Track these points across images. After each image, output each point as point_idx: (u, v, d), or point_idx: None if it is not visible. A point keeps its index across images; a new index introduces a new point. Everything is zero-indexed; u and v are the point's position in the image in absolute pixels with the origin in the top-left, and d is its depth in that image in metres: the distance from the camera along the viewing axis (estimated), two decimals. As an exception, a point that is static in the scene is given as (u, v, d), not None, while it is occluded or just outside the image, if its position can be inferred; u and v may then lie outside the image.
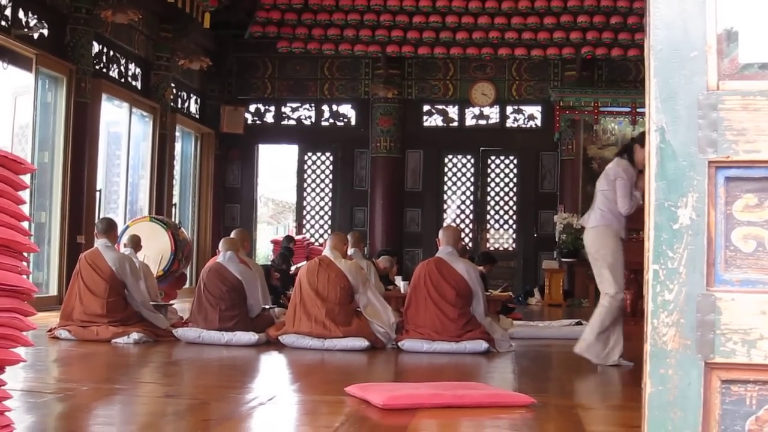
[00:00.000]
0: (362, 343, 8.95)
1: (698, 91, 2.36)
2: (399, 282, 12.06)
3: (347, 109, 21.30)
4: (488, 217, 21.05)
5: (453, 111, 21.09)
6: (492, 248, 20.50)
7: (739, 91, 2.34)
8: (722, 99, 2.34)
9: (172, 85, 18.10)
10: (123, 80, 16.41)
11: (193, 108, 20.26)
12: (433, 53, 18.90)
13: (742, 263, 2.34)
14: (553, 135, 19.74)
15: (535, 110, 20.88)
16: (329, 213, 21.27)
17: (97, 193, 15.12)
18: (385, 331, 9.23)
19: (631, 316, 11.49)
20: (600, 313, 7.98)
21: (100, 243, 9.85)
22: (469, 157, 21.00)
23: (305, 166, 21.47)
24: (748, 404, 2.31)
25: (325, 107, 21.31)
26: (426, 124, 21.12)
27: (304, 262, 15.19)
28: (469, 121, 21.06)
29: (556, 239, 19.26)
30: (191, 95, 20.08)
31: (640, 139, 7.74)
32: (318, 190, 21.39)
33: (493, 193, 21.03)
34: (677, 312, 2.32)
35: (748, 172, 2.34)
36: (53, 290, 13.66)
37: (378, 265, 12.35)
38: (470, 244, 20.39)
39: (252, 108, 21.45)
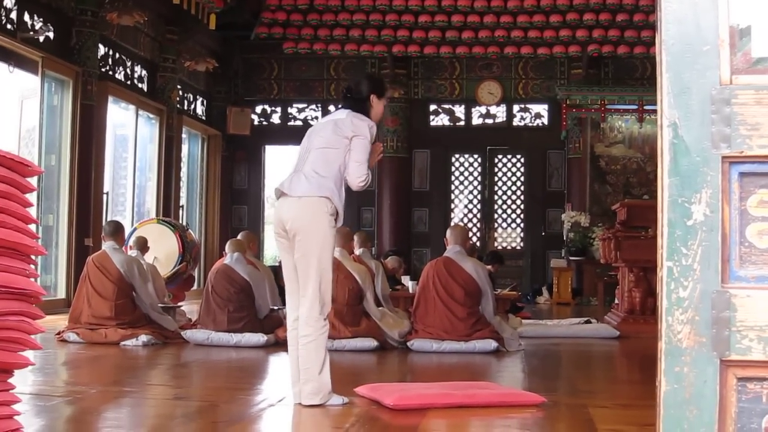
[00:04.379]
0: (371, 343, 8.93)
1: (711, 85, 2.33)
2: (407, 282, 12.04)
3: (353, 110, 21.24)
4: (496, 216, 21.01)
5: (459, 110, 21.06)
6: (500, 247, 20.47)
7: (752, 86, 2.32)
8: (735, 93, 2.32)
9: (178, 86, 18.10)
10: (129, 82, 16.41)
11: (200, 110, 20.25)
12: (439, 52, 18.86)
13: (757, 259, 2.31)
14: (560, 133, 19.69)
15: (542, 109, 20.83)
16: (336, 213, 21.21)
17: (105, 196, 15.11)
18: (394, 337, 9.24)
19: (641, 314, 11.44)
20: (314, 347, 5.61)
21: (107, 245, 9.83)
22: (476, 156, 20.96)
23: (312, 167, 21.42)
24: (764, 402, 2.29)
25: (331, 108, 21.20)
26: (433, 123, 21.08)
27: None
28: (476, 121, 21.03)
29: (564, 237, 19.25)
30: (197, 97, 20.08)
31: (376, 86, 5.95)
32: (325, 190, 21.35)
33: (500, 192, 20.99)
34: (692, 309, 2.30)
35: (763, 167, 2.32)
36: (61, 293, 13.65)
37: (386, 266, 12.33)
38: (478, 243, 20.36)
39: (258, 109, 21.43)
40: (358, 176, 5.62)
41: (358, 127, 5.67)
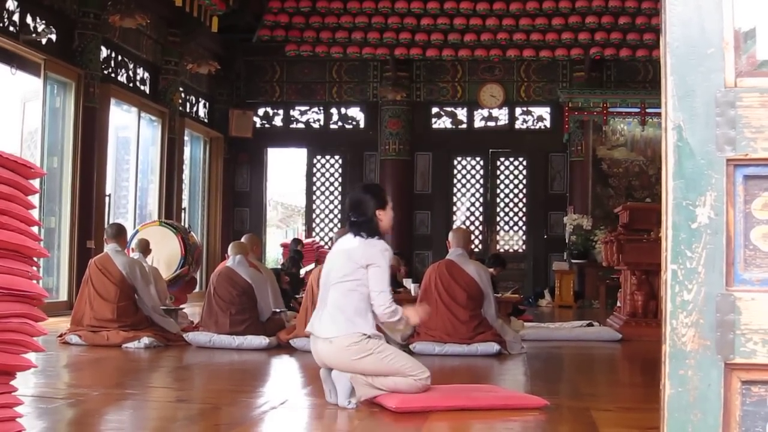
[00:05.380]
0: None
1: (716, 88, 2.33)
2: (409, 284, 12.03)
3: (356, 112, 21.30)
4: (498, 218, 21.02)
5: (462, 113, 21.07)
6: (502, 250, 20.46)
7: (757, 88, 2.32)
8: (740, 96, 2.31)
9: (181, 89, 18.10)
10: (131, 85, 16.41)
11: (202, 112, 20.26)
12: (441, 55, 18.84)
13: (762, 262, 2.31)
14: (562, 136, 19.71)
15: (544, 111, 20.84)
16: (338, 216, 21.24)
17: (107, 198, 15.12)
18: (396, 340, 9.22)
19: (643, 317, 11.42)
20: (402, 380, 5.57)
21: (109, 248, 9.82)
22: (478, 158, 20.97)
23: (314, 170, 21.46)
24: (769, 405, 2.29)
25: (333, 110, 21.31)
26: (435, 126, 21.10)
27: (313, 265, 15.15)
28: (478, 123, 21.03)
29: (566, 240, 19.22)
30: (200, 99, 20.08)
31: (377, 200, 5.81)
32: (327, 193, 21.38)
33: (502, 195, 21.00)
34: (696, 312, 2.30)
35: (767, 170, 2.31)
36: (63, 295, 13.66)
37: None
38: (480, 246, 20.37)
39: (260, 112, 21.45)
40: (382, 304, 5.58)
41: (372, 256, 5.63)
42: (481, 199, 21.04)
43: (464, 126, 21.08)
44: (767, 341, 2.26)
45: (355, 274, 5.61)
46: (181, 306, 11.80)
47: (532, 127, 20.92)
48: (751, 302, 2.27)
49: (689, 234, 2.31)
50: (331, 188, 21.38)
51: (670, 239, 2.33)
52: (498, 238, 21.00)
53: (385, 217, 5.82)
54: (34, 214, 3.60)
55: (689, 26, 2.35)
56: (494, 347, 8.80)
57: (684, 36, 2.35)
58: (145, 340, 9.07)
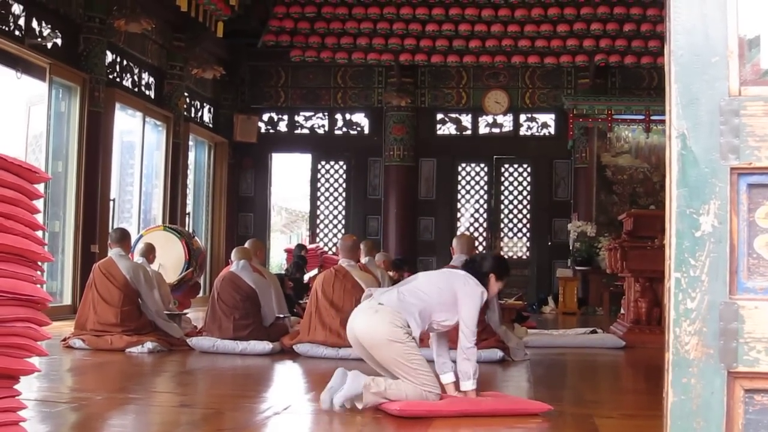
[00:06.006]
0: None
1: (720, 96, 2.33)
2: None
3: (360, 118, 21.28)
4: (502, 225, 21.00)
5: (466, 119, 21.06)
6: (506, 256, 20.43)
7: (761, 97, 2.32)
8: (744, 105, 2.31)
9: (186, 94, 18.11)
10: (136, 89, 16.43)
11: (207, 117, 20.27)
12: (446, 61, 18.87)
13: (766, 271, 2.31)
14: (566, 143, 19.69)
15: (549, 118, 20.83)
16: (342, 222, 21.25)
17: (111, 203, 15.12)
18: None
19: (647, 324, 11.41)
20: (413, 393, 5.54)
21: (113, 252, 9.83)
22: (482, 165, 20.95)
23: (318, 175, 21.45)
24: (772, 414, 2.28)
25: (338, 116, 21.30)
26: (439, 132, 21.08)
27: (317, 271, 15.13)
28: (483, 129, 21.03)
29: (570, 247, 19.21)
30: (204, 104, 20.09)
31: (497, 268, 6.09)
32: (331, 198, 21.37)
33: (506, 201, 20.98)
34: (700, 320, 2.29)
35: (771, 178, 2.31)
36: (67, 299, 13.66)
37: (385, 265, 12.38)
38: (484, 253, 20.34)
39: (265, 117, 21.44)
40: (471, 339, 5.84)
41: (471, 288, 5.86)
42: (485, 206, 21.02)
43: (469, 132, 21.07)
44: (770, 350, 2.26)
45: (442, 285, 5.91)
46: (185, 311, 11.81)
47: (537, 134, 20.91)
48: (755, 311, 2.27)
49: (693, 242, 2.31)
50: (336, 194, 21.37)
51: (674, 247, 2.32)
52: (502, 244, 20.98)
53: (493, 286, 6.10)
54: (39, 218, 3.61)
55: (694, 34, 2.35)
56: (497, 354, 8.79)
57: (688, 44, 2.35)
58: (149, 345, 9.07)
